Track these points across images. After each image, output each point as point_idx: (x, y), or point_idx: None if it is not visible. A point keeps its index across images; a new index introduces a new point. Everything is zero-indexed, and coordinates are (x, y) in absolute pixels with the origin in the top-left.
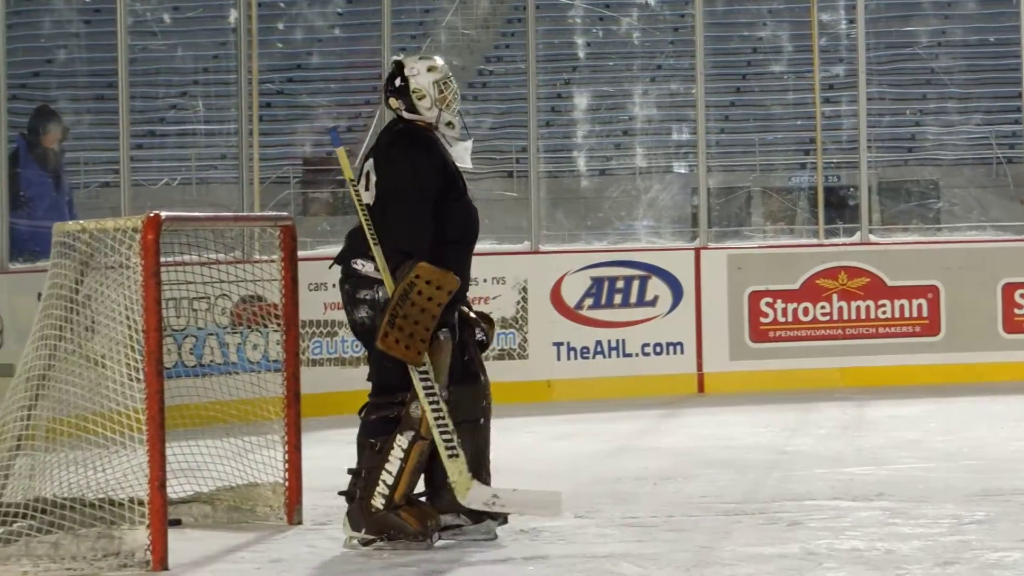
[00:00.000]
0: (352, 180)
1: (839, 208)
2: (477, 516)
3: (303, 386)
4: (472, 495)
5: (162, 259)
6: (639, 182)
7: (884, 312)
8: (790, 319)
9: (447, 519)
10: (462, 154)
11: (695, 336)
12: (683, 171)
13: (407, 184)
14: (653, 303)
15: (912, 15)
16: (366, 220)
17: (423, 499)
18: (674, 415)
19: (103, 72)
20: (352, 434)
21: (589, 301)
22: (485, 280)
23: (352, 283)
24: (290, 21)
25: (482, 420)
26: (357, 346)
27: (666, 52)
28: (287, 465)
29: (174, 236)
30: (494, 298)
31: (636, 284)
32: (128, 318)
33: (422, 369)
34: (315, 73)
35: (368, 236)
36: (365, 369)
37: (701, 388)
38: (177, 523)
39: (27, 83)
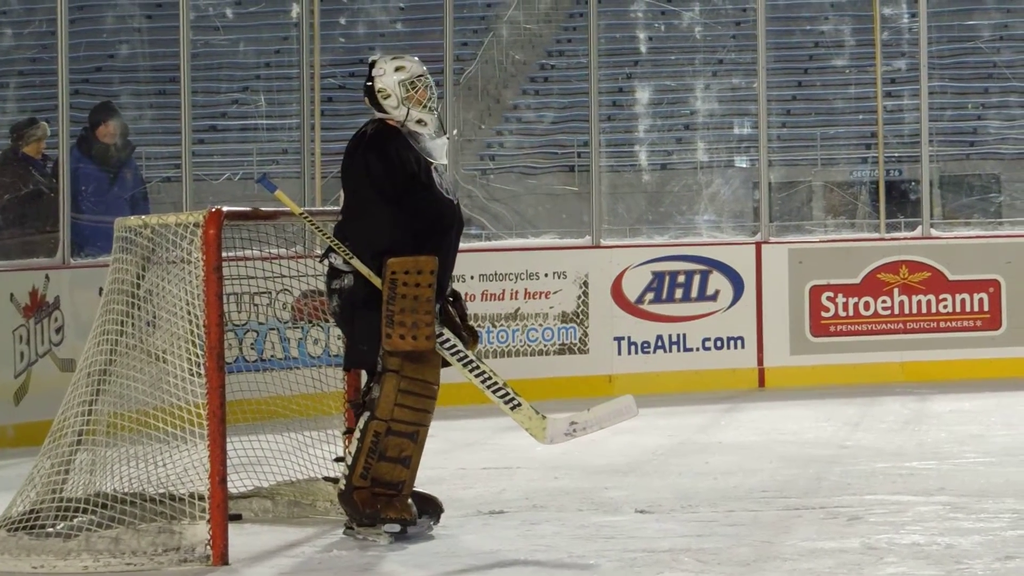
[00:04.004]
0: (301, 212)
1: (900, 202)
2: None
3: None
4: (550, 433)
5: (223, 254)
6: (700, 176)
7: (945, 306)
8: (851, 313)
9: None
10: (438, 150)
11: (756, 330)
12: (744, 165)
13: (364, 187)
14: (714, 297)
15: (974, 9)
16: (330, 240)
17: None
18: (735, 410)
19: (165, 67)
20: None
21: (650, 295)
22: (546, 275)
23: (328, 275)
24: (352, 15)
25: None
26: None
27: (728, 46)
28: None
29: (235, 231)
30: (555, 292)
31: (697, 278)
32: (189, 313)
33: (447, 344)
34: None
35: (341, 255)
36: None
37: (762, 383)
38: (237, 518)
39: (90, 78)
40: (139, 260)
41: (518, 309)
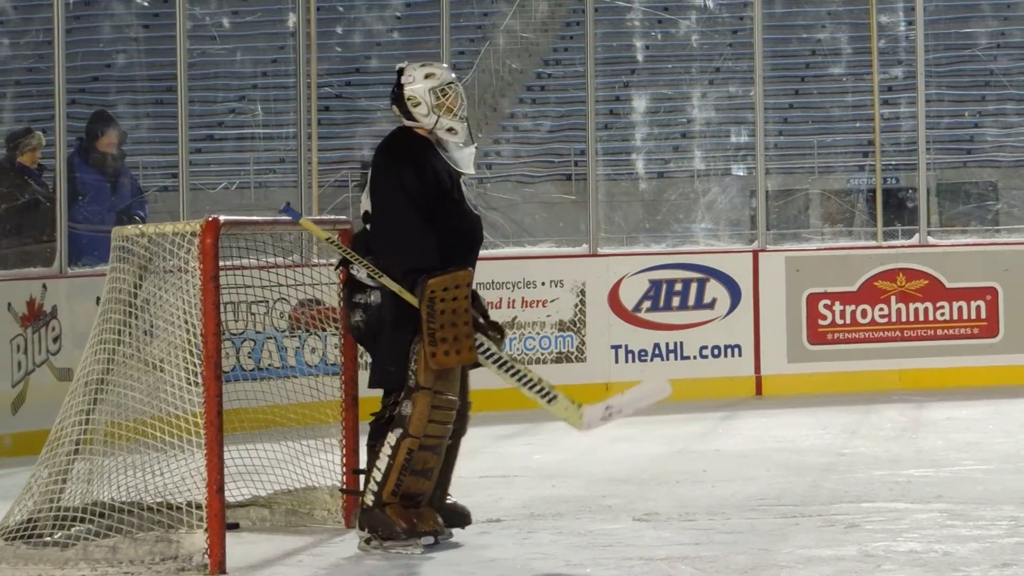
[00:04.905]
0: (328, 238)
1: (897, 210)
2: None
3: (361, 389)
4: (587, 420)
5: (220, 263)
6: (697, 185)
7: (942, 314)
8: (848, 321)
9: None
10: (466, 160)
11: (753, 338)
12: (741, 173)
13: (397, 201)
14: (711, 305)
15: (971, 16)
16: (359, 261)
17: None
18: (732, 417)
19: (162, 76)
20: None
21: (647, 304)
22: (543, 283)
23: (349, 286)
24: (349, 25)
25: (450, 440)
26: None
27: (724, 55)
28: (345, 469)
29: (232, 240)
30: (552, 301)
31: (694, 286)
32: (187, 322)
33: (482, 349)
34: (373, 77)
35: (370, 271)
36: None
37: (759, 391)
38: (235, 527)
39: (86, 88)
40: (136, 269)
41: (515, 318)
